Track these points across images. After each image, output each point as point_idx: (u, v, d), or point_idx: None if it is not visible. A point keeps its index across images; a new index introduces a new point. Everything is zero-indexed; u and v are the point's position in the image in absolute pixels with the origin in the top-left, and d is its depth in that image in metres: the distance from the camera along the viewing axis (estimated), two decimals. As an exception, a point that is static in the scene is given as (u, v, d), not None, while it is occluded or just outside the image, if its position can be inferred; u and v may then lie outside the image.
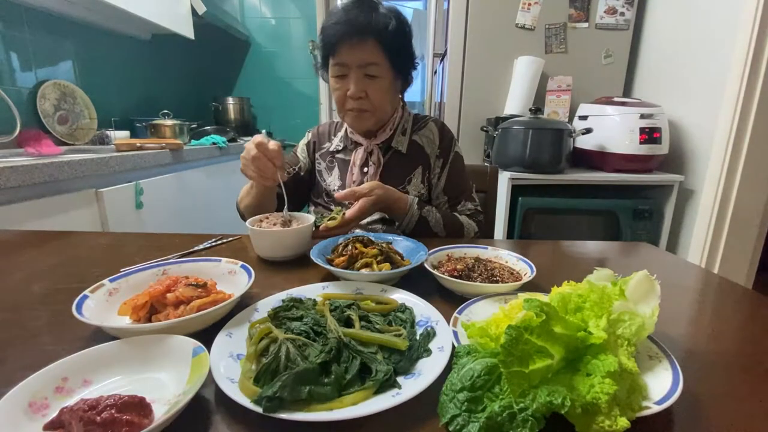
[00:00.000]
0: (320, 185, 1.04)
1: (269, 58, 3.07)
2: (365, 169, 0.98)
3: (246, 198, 0.91)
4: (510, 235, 1.69)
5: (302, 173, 1.05)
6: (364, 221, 0.96)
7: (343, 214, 0.79)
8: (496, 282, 0.57)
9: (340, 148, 1.02)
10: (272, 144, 0.75)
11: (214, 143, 2.05)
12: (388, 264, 0.61)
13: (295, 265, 0.69)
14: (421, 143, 1.00)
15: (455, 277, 0.57)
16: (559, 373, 0.33)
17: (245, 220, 0.93)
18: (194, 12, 2.32)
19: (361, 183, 0.96)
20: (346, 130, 1.03)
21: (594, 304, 0.37)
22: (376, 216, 0.96)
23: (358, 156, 0.98)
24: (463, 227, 0.94)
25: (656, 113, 1.62)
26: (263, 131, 0.85)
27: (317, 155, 1.06)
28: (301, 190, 1.05)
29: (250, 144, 0.75)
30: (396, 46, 0.87)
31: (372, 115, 0.91)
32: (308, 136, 1.09)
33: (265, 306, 0.49)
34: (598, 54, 1.93)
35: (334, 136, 1.06)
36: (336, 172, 1.02)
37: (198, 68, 2.98)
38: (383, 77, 0.88)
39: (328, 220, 0.79)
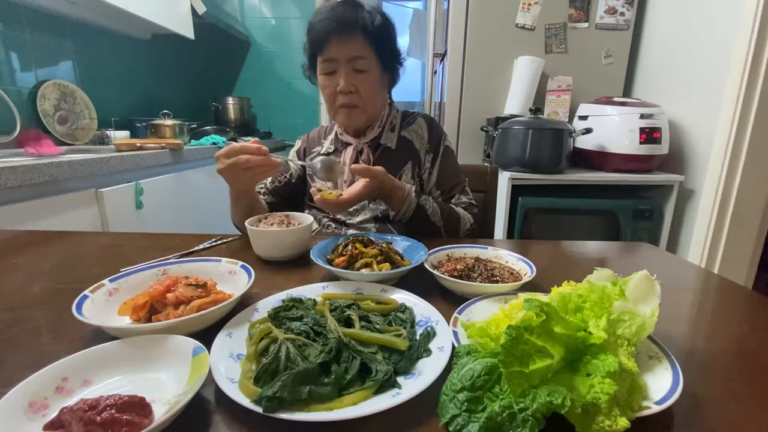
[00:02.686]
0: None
1: (269, 58, 3.07)
2: None
3: (235, 210, 0.89)
4: (510, 235, 1.69)
5: (294, 180, 1.05)
6: (356, 220, 0.96)
7: (340, 194, 0.77)
8: (496, 282, 0.57)
9: (330, 151, 1.03)
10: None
11: (214, 143, 2.05)
12: (388, 264, 0.61)
13: (295, 265, 0.69)
14: (410, 138, 1.01)
15: (455, 277, 0.57)
16: (559, 373, 0.33)
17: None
18: (194, 12, 2.32)
19: (353, 181, 0.96)
20: (336, 132, 1.03)
21: (594, 304, 0.37)
22: (368, 214, 0.96)
23: (347, 155, 0.98)
24: (460, 218, 0.94)
25: (656, 113, 1.62)
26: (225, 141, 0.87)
27: (308, 159, 1.06)
28: (294, 196, 1.06)
29: (220, 156, 0.73)
30: (382, 41, 0.89)
31: (363, 112, 0.92)
32: (299, 143, 1.10)
33: (265, 306, 0.49)
34: (598, 54, 1.93)
35: (325, 139, 1.06)
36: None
37: (198, 68, 2.98)
38: (372, 71, 0.89)
39: (328, 194, 0.77)
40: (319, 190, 0.77)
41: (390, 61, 0.94)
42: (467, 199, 1.01)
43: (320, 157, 0.86)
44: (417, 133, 1.02)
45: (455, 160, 1.04)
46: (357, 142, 0.98)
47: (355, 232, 0.96)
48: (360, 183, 0.79)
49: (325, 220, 1.00)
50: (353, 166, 0.79)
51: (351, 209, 0.97)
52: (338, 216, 0.98)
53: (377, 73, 0.91)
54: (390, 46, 0.92)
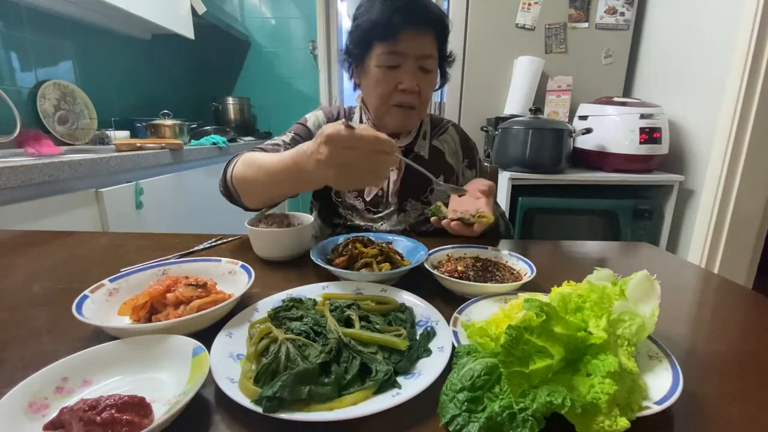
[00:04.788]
0: None
1: (269, 58, 3.07)
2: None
3: (267, 188, 0.69)
4: (510, 235, 1.69)
5: None
6: (382, 227, 0.92)
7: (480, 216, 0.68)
8: (496, 282, 0.57)
9: None
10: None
11: (214, 143, 2.05)
12: (388, 264, 0.61)
13: (295, 265, 0.69)
14: (442, 149, 0.96)
15: (455, 277, 0.57)
16: (559, 373, 0.33)
17: (229, 196, 0.77)
18: (194, 12, 2.32)
19: (382, 188, 0.89)
20: (363, 122, 0.92)
21: (594, 304, 0.37)
22: (398, 226, 0.91)
23: None
24: (509, 228, 0.94)
25: (656, 113, 1.62)
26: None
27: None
28: None
29: (343, 133, 0.51)
30: (446, 40, 0.84)
31: (418, 115, 0.85)
32: (320, 116, 0.95)
33: (265, 306, 0.49)
34: (598, 54, 1.93)
35: None
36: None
37: (198, 68, 2.98)
38: (434, 72, 0.83)
39: (473, 219, 0.67)
40: (471, 216, 0.66)
41: (445, 63, 0.88)
42: (501, 208, 0.99)
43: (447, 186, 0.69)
44: (449, 145, 0.97)
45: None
46: None
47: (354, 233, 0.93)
48: (483, 201, 0.72)
49: (340, 227, 0.92)
50: (484, 190, 0.72)
51: (377, 215, 0.91)
52: (358, 221, 0.92)
53: (436, 75, 0.85)
54: (446, 47, 0.87)
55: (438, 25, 0.80)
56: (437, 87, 0.91)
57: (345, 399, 0.34)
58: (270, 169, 0.65)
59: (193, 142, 2.06)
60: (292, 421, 0.32)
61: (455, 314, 0.47)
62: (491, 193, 0.76)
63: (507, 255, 0.66)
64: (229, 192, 0.76)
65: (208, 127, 2.38)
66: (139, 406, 0.32)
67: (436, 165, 0.94)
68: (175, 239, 0.82)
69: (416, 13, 0.75)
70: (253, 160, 0.70)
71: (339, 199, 0.93)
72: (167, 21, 2.12)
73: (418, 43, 0.77)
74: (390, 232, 0.90)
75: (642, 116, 1.61)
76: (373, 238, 0.68)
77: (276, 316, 0.45)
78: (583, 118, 1.78)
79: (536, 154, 1.61)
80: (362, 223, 0.92)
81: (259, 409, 0.32)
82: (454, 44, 1.90)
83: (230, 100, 2.88)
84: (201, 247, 0.77)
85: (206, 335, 0.42)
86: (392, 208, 0.91)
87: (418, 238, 0.81)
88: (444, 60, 0.88)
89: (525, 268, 0.61)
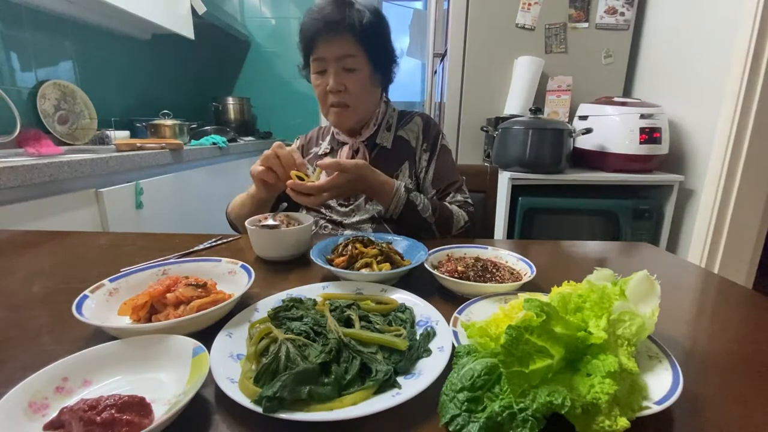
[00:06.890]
0: None
1: (269, 58, 3.07)
2: None
3: (243, 208, 0.88)
4: (510, 235, 1.69)
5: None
6: (352, 220, 0.96)
7: (312, 181, 0.75)
8: (496, 282, 0.57)
9: (327, 151, 1.03)
10: (287, 149, 0.79)
11: (214, 143, 2.05)
12: (388, 264, 0.61)
13: (295, 265, 0.69)
14: (407, 137, 1.01)
15: (455, 277, 0.57)
16: (559, 373, 0.33)
17: (235, 229, 0.92)
18: (194, 12, 2.32)
19: None
20: (333, 132, 1.03)
21: (594, 304, 0.37)
22: (365, 215, 0.95)
23: (343, 154, 0.98)
24: (453, 215, 0.91)
25: (656, 113, 1.62)
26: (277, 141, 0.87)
27: (305, 160, 1.05)
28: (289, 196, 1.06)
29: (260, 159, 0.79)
30: (372, 39, 0.89)
31: (353, 111, 0.91)
32: (296, 143, 1.10)
33: (265, 306, 0.49)
34: (598, 54, 1.93)
35: (322, 140, 1.06)
36: (323, 175, 1.00)
37: (198, 68, 2.98)
38: (361, 70, 0.89)
39: (299, 174, 0.75)
40: (300, 178, 0.73)
41: (381, 59, 0.93)
42: (462, 197, 0.99)
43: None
44: (413, 132, 1.01)
45: (452, 160, 1.03)
46: (353, 141, 0.98)
47: (351, 232, 0.95)
48: (333, 175, 0.76)
49: (322, 221, 0.99)
50: (319, 162, 0.76)
51: (348, 208, 0.97)
52: (335, 217, 0.98)
53: (367, 71, 0.90)
54: (380, 43, 0.92)
55: (352, 27, 0.85)
56: (383, 84, 0.98)
57: (345, 399, 0.34)
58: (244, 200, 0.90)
59: (193, 142, 2.06)
60: (292, 421, 0.32)
61: (455, 314, 0.47)
62: (338, 170, 0.76)
63: (507, 255, 0.66)
64: (231, 223, 0.96)
65: (208, 127, 2.38)
66: (139, 406, 0.32)
67: (400, 153, 0.99)
68: (175, 239, 0.82)
69: (325, 20, 0.85)
70: (235, 200, 0.93)
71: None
72: (167, 21, 2.12)
73: (333, 47, 0.86)
74: (361, 221, 0.95)
75: (642, 116, 1.61)
76: (373, 238, 0.68)
77: (276, 316, 0.45)
78: (583, 118, 1.78)
79: (536, 154, 1.61)
80: (338, 218, 0.98)
81: (259, 409, 0.32)
82: (454, 44, 1.91)
83: (230, 100, 2.88)
84: (201, 247, 0.77)
85: (206, 335, 0.42)
86: (361, 199, 0.97)
87: (392, 226, 0.95)
88: (378, 56, 0.92)
89: (525, 268, 0.61)
